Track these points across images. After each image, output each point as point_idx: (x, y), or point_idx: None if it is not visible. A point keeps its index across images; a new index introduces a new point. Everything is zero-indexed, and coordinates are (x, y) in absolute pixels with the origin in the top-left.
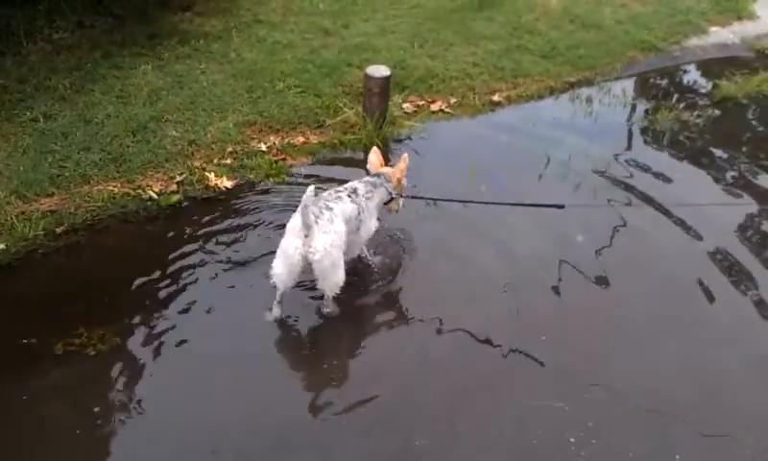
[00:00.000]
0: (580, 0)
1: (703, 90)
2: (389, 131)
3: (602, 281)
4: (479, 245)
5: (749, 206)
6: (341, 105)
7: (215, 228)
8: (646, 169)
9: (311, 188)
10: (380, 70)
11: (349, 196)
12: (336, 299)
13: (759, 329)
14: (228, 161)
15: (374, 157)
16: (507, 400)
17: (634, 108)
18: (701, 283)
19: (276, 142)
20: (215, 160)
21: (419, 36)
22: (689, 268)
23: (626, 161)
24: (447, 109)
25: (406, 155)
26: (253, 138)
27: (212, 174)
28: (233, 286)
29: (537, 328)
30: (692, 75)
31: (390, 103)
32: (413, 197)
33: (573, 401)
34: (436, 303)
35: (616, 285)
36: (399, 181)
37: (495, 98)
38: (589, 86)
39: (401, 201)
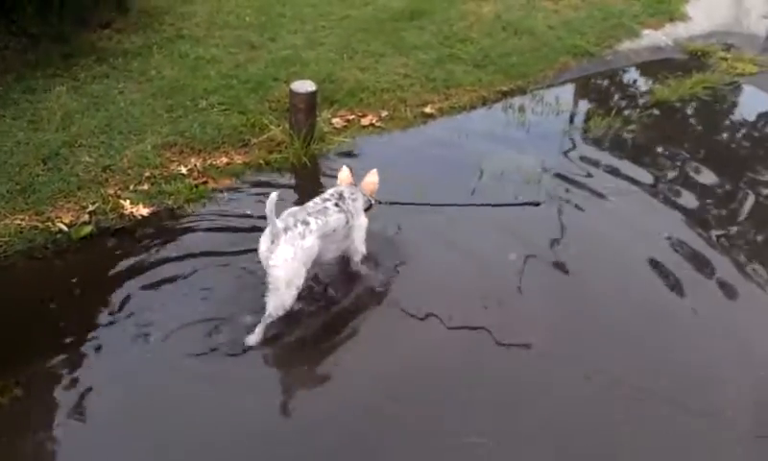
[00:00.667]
0: (513, 7)
1: (636, 95)
2: (317, 148)
3: (578, 277)
4: (450, 250)
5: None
6: (267, 122)
7: (129, 260)
8: (581, 175)
9: (274, 194)
10: (305, 85)
11: (337, 205)
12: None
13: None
14: (146, 187)
15: (345, 173)
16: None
17: (567, 115)
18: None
19: (198, 164)
20: (131, 187)
21: (348, 48)
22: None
23: (559, 170)
24: (378, 124)
25: (375, 170)
26: (173, 161)
27: (127, 201)
28: (147, 323)
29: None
30: (625, 79)
31: (318, 118)
32: (391, 203)
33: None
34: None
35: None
36: (372, 193)
37: (428, 110)
38: (522, 95)
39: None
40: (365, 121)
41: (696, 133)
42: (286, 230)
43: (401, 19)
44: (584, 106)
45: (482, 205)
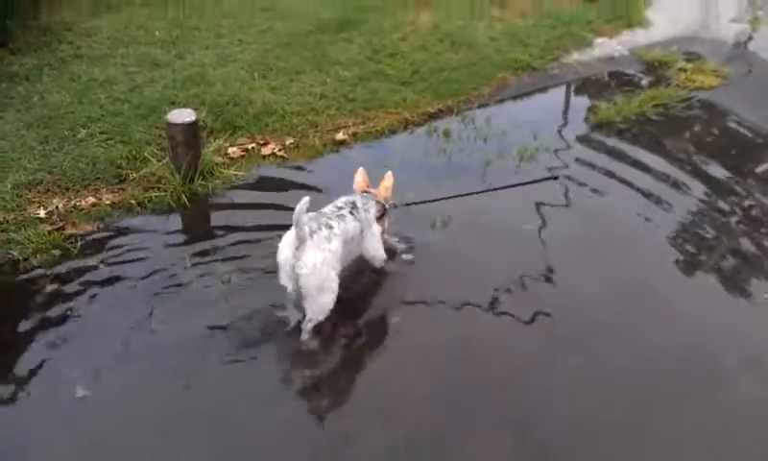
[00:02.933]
0: (453, 16)
1: (575, 116)
2: (202, 184)
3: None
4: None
5: None
6: (148, 155)
7: None
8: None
9: (305, 199)
10: (183, 115)
11: (351, 213)
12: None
13: None
14: None
15: (360, 177)
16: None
17: (495, 141)
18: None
19: (60, 206)
20: None
21: (262, 65)
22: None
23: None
24: (280, 153)
25: (390, 172)
26: (34, 202)
27: None
28: None
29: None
30: (565, 97)
31: (206, 150)
32: (407, 204)
33: None
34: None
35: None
36: (387, 199)
37: (340, 136)
38: (451, 117)
39: (388, 218)
40: (266, 150)
41: (633, 160)
42: (312, 233)
43: (328, 31)
44: (514, 131)
45: (499, 188)
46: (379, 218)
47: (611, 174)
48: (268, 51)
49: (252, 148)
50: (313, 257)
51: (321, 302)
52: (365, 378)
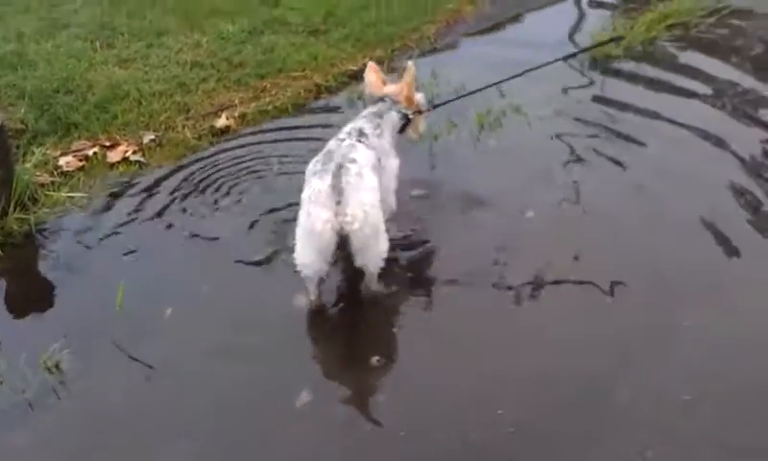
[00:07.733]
0: None
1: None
2: (19, 219)
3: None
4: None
5: None
6: None
7: None
8: None
9: (345, 139)
10: None
11: (360, 141)
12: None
13: None
14: None
15: (374, 75)
16: None
17: (442, 110)
18: None
19: None
20: None
21: (107, 28)
22: None
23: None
24: (136, 156)
25: (410, 62)
26: None
27: None
28: None
29: None
30: (545, 28)
31: (26, 166)
32: (434, 106)
33: None
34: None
35: None
36: (409, 98)
37: (222, 121)
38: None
39: (422, 121)
40: (114, 155)
41: (646, 116)
42: (341, 176)
43: None
44: (471, 88)
45: (555, 61)
46: (402, 130)
47: (613, 145)
48: (117, 6)
49: (95, 154)
50: (359, 202)
51: (379, 249)
52: None
